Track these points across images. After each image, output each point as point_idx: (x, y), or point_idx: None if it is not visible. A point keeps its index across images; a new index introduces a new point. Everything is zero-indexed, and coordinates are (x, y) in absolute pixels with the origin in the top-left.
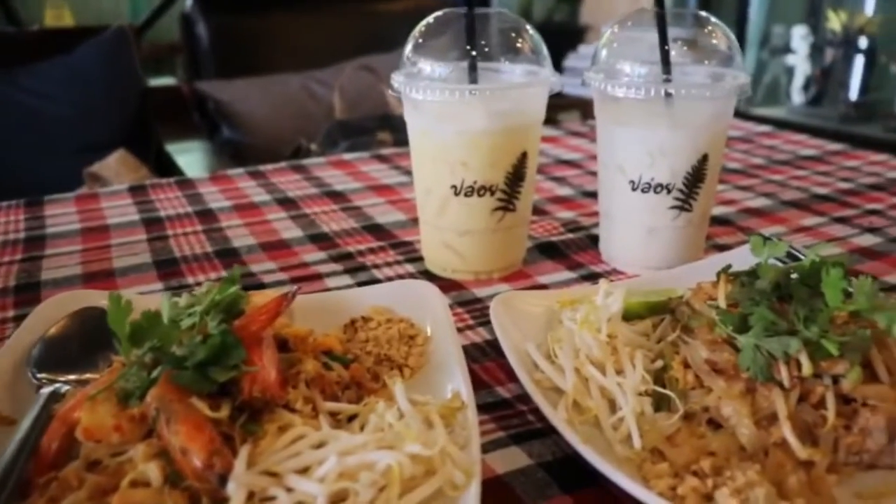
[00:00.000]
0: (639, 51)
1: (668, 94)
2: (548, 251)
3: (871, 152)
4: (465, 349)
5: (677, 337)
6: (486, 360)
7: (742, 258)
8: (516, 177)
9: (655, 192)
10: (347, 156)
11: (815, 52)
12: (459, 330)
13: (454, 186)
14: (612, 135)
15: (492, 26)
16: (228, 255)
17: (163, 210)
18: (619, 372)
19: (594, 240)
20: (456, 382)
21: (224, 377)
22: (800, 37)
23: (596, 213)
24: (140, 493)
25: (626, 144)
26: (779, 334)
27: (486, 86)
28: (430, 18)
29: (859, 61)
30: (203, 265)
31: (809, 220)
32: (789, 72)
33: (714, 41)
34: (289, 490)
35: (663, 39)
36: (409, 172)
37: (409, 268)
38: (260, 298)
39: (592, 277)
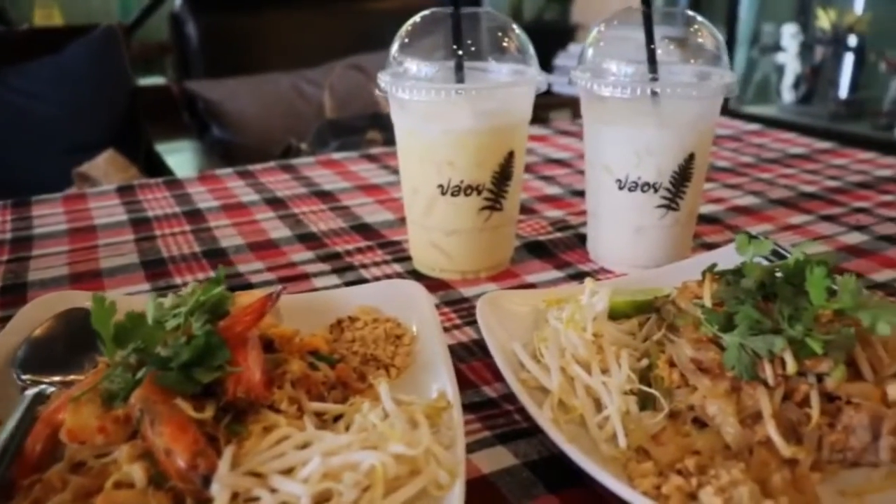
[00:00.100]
0: (625, 50)
1: (654, 93)
2: (535, 250)
3: (859, 150)
4: (452, 349)
5: (663, 336)
6: (472, 359)
7: (729, 257)
8: (503, 176)
9: (642, 191)
10: (336, 155)
11: (805, 50)
12: (447, 329)
13: (441, 186)
14: (598, 134)
15: (478, 26)
16: (216, 256)
17: (150, 210)
18: (605, 371)
19: (582, 239)
20: (442, 382)
21: (208, 378)
22: (790, 35)
23: (584, 212)
24: (124, 495)
25: (613, 143)
26: (763, 333)
27: (473, 85)
28: (416, 18)
29: (849, 59)
30: (191, 265)
31: (797, 219)
32: (779, 70)
33: (701, 40)
34: (273, 491)
35: (650, 38)
36: (397, 172)
37: (397, 267)
38: (246, 299)
39: (580, 276)
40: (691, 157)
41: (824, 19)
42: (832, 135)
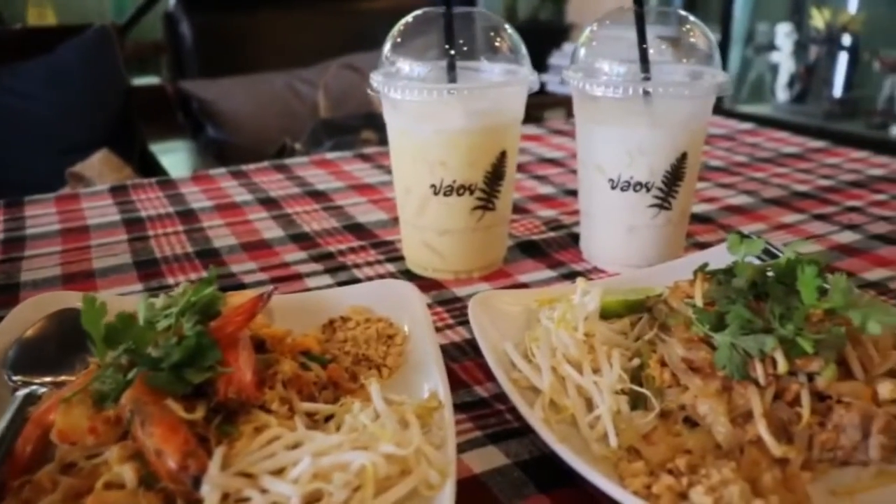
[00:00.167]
0: (618, 49)
1: (646, 93)
2: (529, 250)
3: (852, 149)
4: (445, 348)
5: (655, 335)
6: (465, 359)
7: (721, 256)
8: (495, 176)
9: (635, 190)
10: (330, 155)
11: (800, 49)
12: (439, 329)
13: (433, 186)
14: (590, 133)
15: (470, 25)
16: (209, 256)
17: (144, 210)
18: (596, 370)
19: (575, 238)
20: (433, 382)
21: (199, 378)
22: (784, 34)
23: (577, 212)
24: (114, 496)
25: (605, 143)
26: (755, 332)
27: (465, 85)
28: (408, 18)
29: (843, 58)
30: (184, 266)
31: (790, 218)
32: (774, 69)
33: (693, 40)
34: (263, 491)
35: (642, 38)
36: (391, 171)
37: (390, 267)
38: (237, 299)
39: (573, 276)
40: (683, 156)
41: (818, 18)
42: (826, 134)
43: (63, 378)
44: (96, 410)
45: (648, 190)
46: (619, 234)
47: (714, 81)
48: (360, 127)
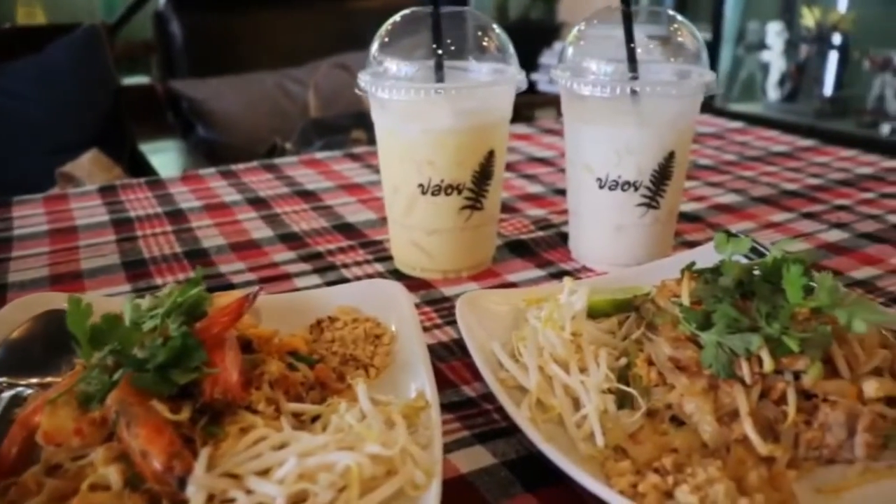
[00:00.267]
0: (606, 49)
1: (634, 92)
2: (517, 249)
3: (842, 148)
4: (433, 348)
5: (642, 334)
6: (452, 359)
7: (708, 255)
8: (483, 175)
9: (623, 189)
10: (319, 154)
11: (790, 48)
12: (427, 329)
13: (421, 185)
14: (578, 133)
15: (458, 25)
16: (198, 256)
17: (132, 211)
18: (583, 370)
19: (564, 237)
20: (420, 382)
21: (185, 379)
22: (774, 33)
23: (566, 211)
24: (100, 497)
25: (593, 142)
26: (741, 331)
27: (452, 84)
28: (396, 17)
29: (833, 57)
30: (172, 266)
31: (778, 216)
32: (764, 68)
33: (680, 39)
34: (248, 492)
35: (629, 37)
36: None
37: (379, 267)
38: (224, 299)
39: (562, 275)
40: (671, 155)
41: (809, 17)
42: (816, 132)
43: (49, 379)
44: (82, 412)
45: (636, 189)
46: (608, 234)
47: (701, 80)
48: (351, 126)
